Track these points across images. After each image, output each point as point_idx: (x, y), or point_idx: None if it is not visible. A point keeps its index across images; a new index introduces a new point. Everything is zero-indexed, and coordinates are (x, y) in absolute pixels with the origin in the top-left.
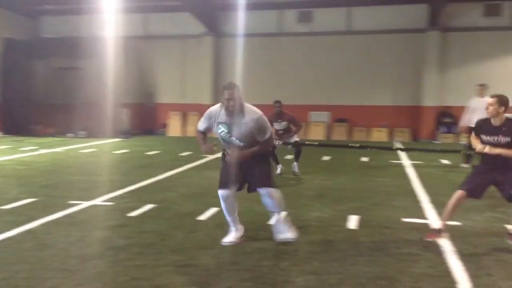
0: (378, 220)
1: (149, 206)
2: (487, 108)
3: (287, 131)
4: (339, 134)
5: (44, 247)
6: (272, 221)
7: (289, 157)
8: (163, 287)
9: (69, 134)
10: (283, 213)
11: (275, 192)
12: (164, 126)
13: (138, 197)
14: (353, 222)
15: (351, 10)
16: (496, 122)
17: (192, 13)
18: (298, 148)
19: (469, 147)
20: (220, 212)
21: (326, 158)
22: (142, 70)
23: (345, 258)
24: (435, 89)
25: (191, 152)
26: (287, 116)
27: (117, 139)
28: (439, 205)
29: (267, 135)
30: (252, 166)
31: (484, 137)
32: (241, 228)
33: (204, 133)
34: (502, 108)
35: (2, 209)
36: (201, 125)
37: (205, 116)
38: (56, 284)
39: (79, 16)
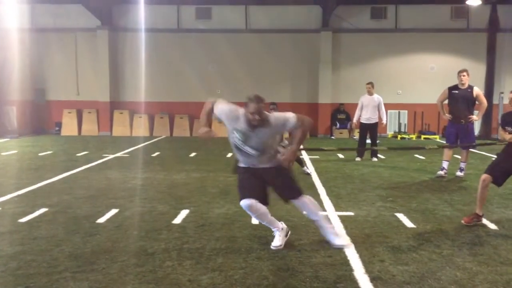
0: (281, 214)
1: (42, 210)
2: (510, 102)
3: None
4: None
5: None
6: (321, 231)
7: None
8: None
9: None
10: (324, 217)
11: (307, 199)
12: (58, 125)
13: (30, 201)
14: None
15: (248, 8)
16: None
17: (83, 5)
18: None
19: (360, 142)
20: (120, 213)
21: (229, 155)
22: (30, 64)
23: (249, 252)
24: (329, 87)
25: (88, 152)
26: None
27: (4, 139)
28: (335, 197)
29: (291, 119)
30: (274, 178)
31: (509, 128)
32: (283, 227)
33: (212, 112)
34: None
35: None
36: (220, 107)
37: (229, 109)
38: None
39: None
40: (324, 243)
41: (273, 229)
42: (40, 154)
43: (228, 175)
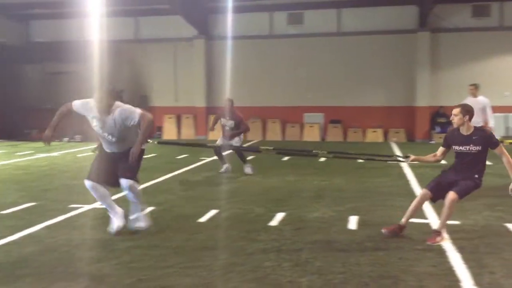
0: (378, 220)
1: (150, 209)
2: (452, 119)
3: (234, 130)
4: (334, 135)
5: (47, 251)
6: (132, 213)
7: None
8: None
9: (64, 139)
10: (140, 205)
11: (136, 184)
12: (160, 129)
13: None
14: (353, 222)
15: (341, 11)
16: (464, 132)
17: (182, 16)
18: (238, 152)
19: None
20: (219, 214)
21: (322, 159)
22: (134, 73)
23: (348, 258)
24: (428, 89)
25: (187, 155)
26: (236, 116)
27: None
28: (439, 206)
29: (136, 113)
30: (121, 160)
31: (456, 147)
32: (118, 210)
33: (67, 114)
34: (467, 117)
35: (2, 213)
36: (75, 104)
37: (81, 102)
38: (62, 287)
39: (69, 20)
40: (428, 252)
41: (110, 213)
42: (144, 156)
43: (322, 179)
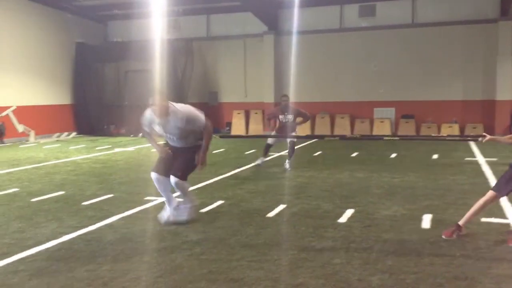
0: (453, 219)
1: (219, 203)
2: None
3: (293, 126)
4: (406, 130)
5: (124, 240)
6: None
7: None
8: (238, 281)
9: (139, 134)
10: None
11: (183, 184)
12: (229, 125)
13: (209, 194)
14: (426, 221)
15: (416, 1)
16: None
17: (252, 13)
18: (291, 146)
19: None
20: (287, 209)
21: (393, 155)
22: (205, 70)
23: (421, 257)
24: (510, 82)
25: (255, 150)
26: (293, 109)
27: None
28: None
29: (202, 119)
30: (180, 155)
31: None
32: (176, 201)
33: (149, 132)
34: None
35: (83, 205)
36: (144, 126)
37: (143, 120)
38: (138, 276)
39: (145, 20)
40: (507, 254)
41: (166, 203)
42: (214, 151)
43: (393, 176)
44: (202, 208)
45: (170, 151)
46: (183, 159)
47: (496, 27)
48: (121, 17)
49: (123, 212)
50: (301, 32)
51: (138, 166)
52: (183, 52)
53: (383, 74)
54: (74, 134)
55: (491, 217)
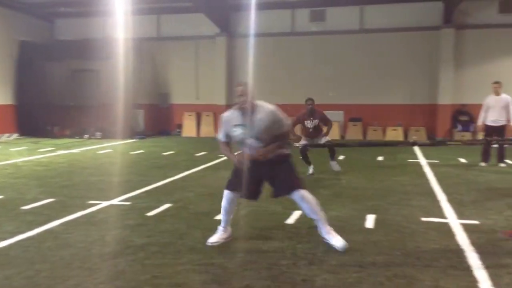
0: (396, 219)
1: (166, 206)
2: None
3: (318, 130)
4: (354, 133)
5: (64, 246)
6: (320, 231)
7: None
8: (183, 286)
9: (85, 136)
10: (323, 218)
11: (307, 193)
12: (180, 126)
13: (156, 197)
14: (370, 221)
15: (364, 8)
16: None
17: (204, 14)
18: (331, 148)
19: (486, 146)
20: (235, 211)
21: (341, 157)
22: (156, 71)
23: (363, 257)
24: (451, 87)
25: (206, 152)
26: (319, 114)
27: (132, 140)
28: (458, 204)
29: (284, 127)
30: (275, 170)
31: None
32: (229, 229)
33: (228, 142)
34: None
35: (22, 209)
36: (221, 135)
37: (221, 124)
38: (78, 282)
39: (93, 18)
40: (445, 252)
41: (220, 227)
42: (163, 153)
43: (338, 177)
44: (148, 212)
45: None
46: (284, 169)
47: (439, 34)
48: (69, 15)
49: (65, 217)
50: (254, 35)
51: (83, 169)
52: (133, 52)
53: (333, 78)
54: (15, 135)
55: (430, 216)
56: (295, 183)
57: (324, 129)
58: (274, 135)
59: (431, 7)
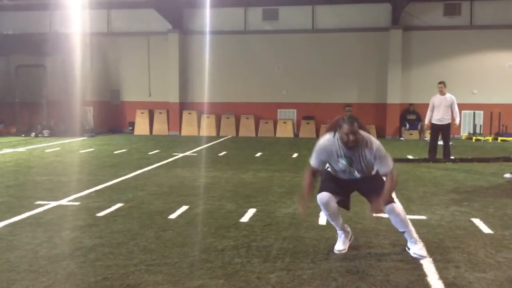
0: (348, 215)
1: (118, 206)
2: None
3: None
4: (307, 131)
5: (10, 248)
6: (409, 246)
7: None
8: (136, 286)
9: (32, 134)
10: (412, 231)
11: (397, 207)
12: (132, 124)
13: (107, 197)
14: (323, 218)
15: (315, 8)
16: None
17: (156, 10)
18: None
19: (432, 144)
20: (190, 210)
21: (295, 155)
22: (107, 67)
23: (316, 253)
24: (399, 86)
25: (159, 151)
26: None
27: (82, 138)
28: (406, 200)
29: (390, 163)
30: (369, 183)
31: None
32: (349, 230)
33: (317, 170)
34: None
35: None
36: (315, 161)
37: (318, 151)
38: (25, 286)
39: (41, 12)
40: (395, 247)
41: (338, 232)
42: (115, 152)
43: (294, 175)
44: (99, 212)
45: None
46: (374, 182)
47: (388, 35)
48: (12, 8)
49: (10, 218)
50: (207, 32)
51: (29, 168)
52: (81, 47)
53: (287, 76)
54: None
55: (380, 213)
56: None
57: None
58: (372, 168)
59: (380, 9)
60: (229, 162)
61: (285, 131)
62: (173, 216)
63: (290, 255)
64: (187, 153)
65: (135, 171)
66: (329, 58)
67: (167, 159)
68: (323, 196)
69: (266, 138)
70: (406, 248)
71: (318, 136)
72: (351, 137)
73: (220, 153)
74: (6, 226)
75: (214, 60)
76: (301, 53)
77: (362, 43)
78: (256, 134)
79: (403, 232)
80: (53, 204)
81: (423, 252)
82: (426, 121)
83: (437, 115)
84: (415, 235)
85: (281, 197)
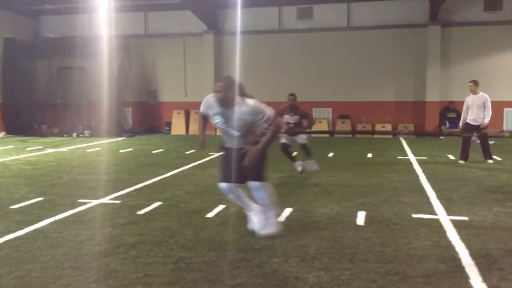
0: (387, 216)
1: (157, 204)
2: None
3: (298, 126)
4: (342, 130)
5: (55, 246)
6: (256, 215)
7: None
8: (175, 284)
9: (73, 134)
10: (273, 208)
11: (266, 186)
12: (169, 125)
13: (146, 195)
14: (361, 218)
15: (351, 5)
16: None
17: (192, 11)
18: (305, 148)
19: (464, 144)
20: (226, 209)
21: (330, 154)
22: (144, 68)
23: (355, 254)
24: (438, 84)
25: (195, 150)
26: (300, 110)
27: (121, 138)
28: (447, 200)
29: (269, 113)
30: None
31: None
32: (255, 207)
33: (205, 118)
34: None
35: (11, 208)
36: (201, 109)
37: (203, 102)
38: (69, 282)
39: (80, 15)
40: (436, 248)
41: (248, 212)
42: (153, 151)
43: (330, 175)
44: (139, 210)
45: (224, 153)
46: (258, 160)
47: (426, 32)
48: (54, 12)
49: (55, 215)
50: (242, 33)
51: (71, 167)
52: (120, 49)
53: (321, 75)
54: (2, 134)
55: (421, 213)
56: (261, 174)
57: (304, 124)
58: (253, 129)
59: (417, 5)
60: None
61: (320, 130)
62: (210, 215)
63: (328, 255)
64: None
65: (172, 170)
66: (365, 55)
67: (203, 158)
68: (222, 188)
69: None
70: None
71: (354, 135)
72: (219, 94)
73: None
74: (51, 223)
75: (248, 59)
76: (336, 52)
77: (399, 40)
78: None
79: (265, 205)
80: (95, 202)
81: (268, 230)
82: (460, 123)
83: (471, 116)
84: (272, 215)
85: (318, 196)
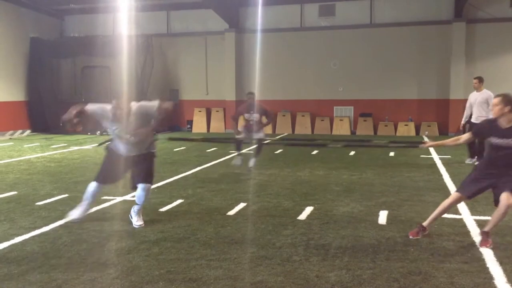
0: (409, 215)
1: (178, 201)
2: (491, 109)
3: (258, 124)
4: (364, 129)
5: (79, 241)
6: (133, 211)
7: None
8: (197, 281)
9: (97, 132)
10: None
11: (150, 189)
12: (190, 123)
13: (167, 193)
14: (383, 217)
15: (374, 2)
16: (504, 124)
17: (214, 10)
18: (259, 144)
19: (469, 144)
20: (247, 207)
21: (352, 153)
22: (166, 67)
23: (377, 253)
24: (462, 81)
25: (216, 148)
26: (259, 108)
27: None
28: (471, 201)
29: (155, 102)
30: (140, 163)
31: (494, 139)
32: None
33: (83, 112)
34: (508, 108)
35: (37, 205)
36: (91, 108)
37: (99, 107)
38: (93, 277)
39: (103, 14)
40: (459, 248)
41: (82, 203)
42: (175, 149)
43: (351, 173)
44: (161, 208)
45: (113, 159)
46: (146, 166)
47: (450, 28)
48: (78, 12)
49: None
50: (263, 30)
51: (95, 164)
52: (143, 48)
53: (343, 73)
54: (28, 132)
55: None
56: (149, 178)
57: (264, 120)
58: (147, 127)
59: (442, 1)
60: (286, 160)
61: (341, 128)
62: (231, 212)
63: (349, 254)
64: (243, 151)
65: (194, 168)
66: (387, 53)
67: (224, 156)
68: (94, 185)
69: (322, 136)
70: (129, 216)
71: (376, 133)
72: (117, 110)
73: (276, 151)
74: (75, 220)
75: (270, 57)
76: (358, 49)
77: (422, 37)
78: (312, 131)
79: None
80: (118, 199)
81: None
82: (462, 122)
83: (474, 114)
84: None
85: (339, 195)
